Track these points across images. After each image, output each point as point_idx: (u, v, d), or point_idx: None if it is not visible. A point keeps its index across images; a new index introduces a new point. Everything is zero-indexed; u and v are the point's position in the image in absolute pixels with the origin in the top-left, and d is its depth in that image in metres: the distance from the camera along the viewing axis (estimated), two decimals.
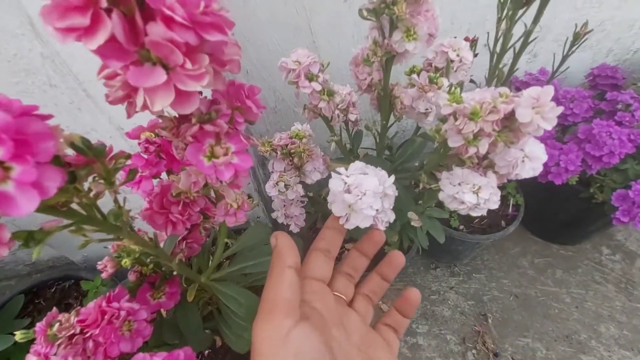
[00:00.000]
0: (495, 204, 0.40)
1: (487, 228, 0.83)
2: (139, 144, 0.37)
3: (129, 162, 0.28)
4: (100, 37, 0.17)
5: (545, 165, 0.70)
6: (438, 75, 0.51)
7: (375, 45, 0.37)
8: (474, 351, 0.87)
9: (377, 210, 0.39)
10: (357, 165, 0.39)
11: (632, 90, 0.78)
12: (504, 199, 0.86)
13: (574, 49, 0.54)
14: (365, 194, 0.36)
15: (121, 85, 0.20)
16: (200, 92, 0.24)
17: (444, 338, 0.90)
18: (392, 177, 0.40)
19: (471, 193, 0.39)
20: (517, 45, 0.52)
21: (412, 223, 0.52)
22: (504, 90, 0.35)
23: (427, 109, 0.51)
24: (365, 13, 0.36)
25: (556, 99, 0.80)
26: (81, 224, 0.28)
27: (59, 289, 0.80)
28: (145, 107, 0.20)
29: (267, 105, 0.84)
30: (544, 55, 0.96)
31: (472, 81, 0.64)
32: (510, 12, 0.42)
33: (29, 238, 0.22)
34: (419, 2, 0.34)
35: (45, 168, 0.17)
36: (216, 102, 0.27)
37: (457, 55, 0.51)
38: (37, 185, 0.16)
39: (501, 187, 0.88)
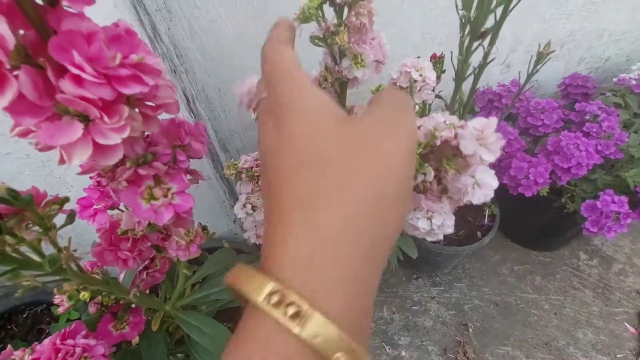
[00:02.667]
0: (450, 229, 0.40)
1: (464, 239, 0.83)
2: (91, 177, 0.37)
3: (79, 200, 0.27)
4: (7, 97, 0.17)
5: (515, 178, 0.71)
6: None
7: (326, 71, 0.37)
8: None
9: None
10: None
11: (599, 100, 0.80)
12: (479, 210, 0.87)
13: (538, 67, 0.55)
14: None
15: (38, 142, 0.20)
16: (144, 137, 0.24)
17: (426, 349, 0.90)
18: None
19: (425, 219, 0.39)
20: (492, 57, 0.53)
21: None
22: (453, 119, 0.36)
23: None
24: (315, 40, 0.37)
25: (527, 110, 0.82)
26: (20, 270, 0.27)
27: (31, 314, 0.78)
28: (63, 161, 0.19)
29: (243, 122, 0.84)
30: (517, 66, 0.98)
31: (438, 96, 0.65)
32: (466, 44, 0.43)
33: None
34: (362, 31, 0.34)
35: None
36: (154, 143, 0.27)
37: (420, 75, 0.52)
38: None
39: None
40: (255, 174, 0.53)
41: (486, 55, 0.47)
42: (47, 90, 0.18)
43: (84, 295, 0.40)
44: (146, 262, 0.43)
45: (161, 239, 0.36)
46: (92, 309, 0.43)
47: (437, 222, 0.40)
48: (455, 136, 0.35)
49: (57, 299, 0.41)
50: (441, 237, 0.42)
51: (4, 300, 0.87)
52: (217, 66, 0.70)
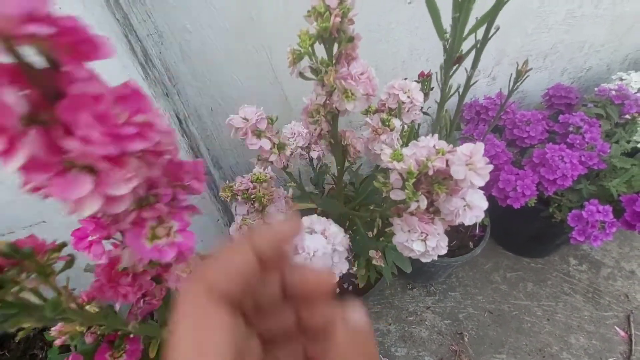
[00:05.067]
0: (443, 250, 0.42)
1: (456, 250, 0.85)
2: None
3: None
4: (20, 158, 0.17)
5: (503, 190, 0.73)
6: (390, 117, 0.53)
7: (318, 104, 0.39)
8: None
9: (329, 267, 0.40)
10: (306, 222, 0.40)
11: (582, 112, 0.83)
12: None
13: (518, 84, 0.57)
14: (314, 255, 0.37)
15: (47, 195, 0.20)
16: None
17: None
18: (341, 233, 0.41)
19: (419, 241, 0.40)
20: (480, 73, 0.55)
21: (374, 262, 0.53)
22: (442, 145, 0.37)
23: (381, 150, 0.52)
24: (306, 74, 0.38)
25: (513, 122, 0.84)
26: (21, 317, 0.27)
27: (23, 339, 0.77)
28: (73, 212, 0.20)
29: (235, 140, 0.84)
30: (502, 78, 1.00)
31: (425, 113, 0.67)
32: (443, 70, 0.44)
33: None
34: (350, 64, 0.35)
35: None
36: (155, 185, 0.27)
37: (408, 97, 0.53)
38: None
39: None
40: (251, 196, 0.54)
41: (469, 78, 0.49)
42: (54, 146, 0.19)
43: (80, 327, 0.40)
44: (137, 297, 0.44)
45: (161, 270, 0.36)
46: (88, 339, 0.43)
47: (431, 244, 0.41)
48: (447, 164, 0.36)
49: (53, 332, 0.41)
50: (435, 258, 0.43)
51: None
52: (209, 86, 0.71)
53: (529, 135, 0.81)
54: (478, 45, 0.44)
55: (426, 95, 0.62)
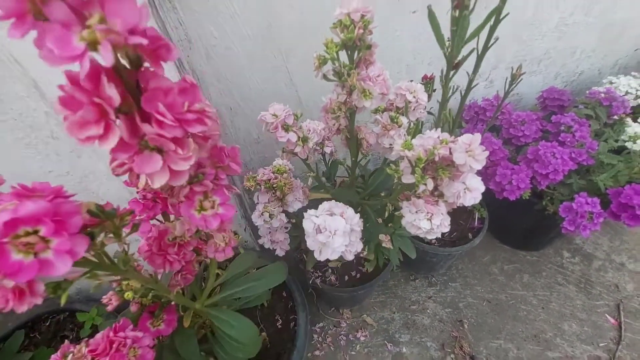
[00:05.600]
0: (446, 228, 0.48)
1: (457, 240, 0.91)
2: (138, 191, 0.43)
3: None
4: (112, 141, 0.23)
5: (500, 183, 0.79)
6: (398, 115, 0.59)
7: (339, 102, 0.45)
8: (452, 355, 0.94)
9: (346, 245, 0.46)
10: (326, 206, 0.46)
11: (573, 112, 0.89)
12: (470, 213, 0.94)
13: (513, 86, 0.64)
14: (335, 233, 0.43)
15: (126, 170, 0.26)
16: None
17: (425, 345, 0.96)
18: (357, 216, 0.47)
19: (426, 220, 0.46)
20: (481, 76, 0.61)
21: (383, 244, 0.59)
22: (445, 136, 0.43)
23: (390, 144, 0.59)
24: (329, 76, 0.44)
25: (509, 122, 0.90)
26: (95, 270, 0.33)
27: (53, 322, 0.83)
28: (147, 185, 0.26)
29: (251, 137, 0.90)
30: (500, 81, 1.07)
31: (429, 112, 0.73)
32: (444, 72, 0.51)
33: (57, 287, 0.28)
34: (368, 67, 0.41)
35: (75, 238, 0.23)
36: (202, 165, 0.33)
37: (414, 97, 0.60)
38: (70, 252, 0.22)
39: None
40: (273, 185, 0.60)
41: (470, 81, 0.55)
42: (134, 131, 0.25)
43: (129, 294, 0.46)
44: (182, 265, 0.50)
45: (200, 243, 0.42)
46: (133, 307, 0.49)
47: (436, 222, 0.47)
48: (450, 151, 0.43)
49: (105, 299, 0.47)
50: (439, 235, 0.49)
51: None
52: (230, 87, 0.77)
53: (524, 134, 0.87)
54: (478, 53, 0.50)
55: (429, 96, 0.69)
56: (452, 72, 0.49)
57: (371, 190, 0.66)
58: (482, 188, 0.45)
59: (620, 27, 1.09)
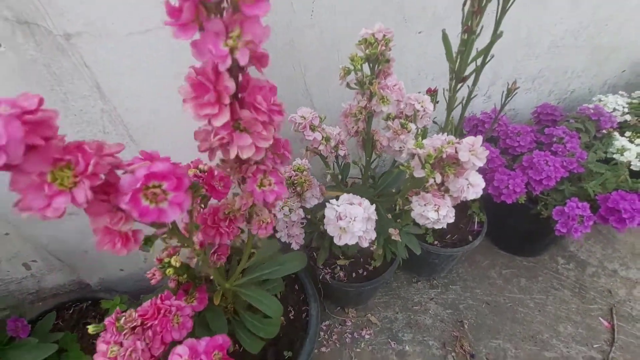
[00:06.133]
0: (451, 219, 0.54)
1: (457, 242, 0.97)
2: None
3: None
4: (223, 119, 0.30)
5: (497, 188, 0.86)
6: (407, 122, 0.67)
7: (360, 107, 0.52)
8: (453, 354, 0.98)
9: (363, 231, 0.52)
10: (346, 197, 0.53)
11: (564, 126, 0.97)
12: (469, 217, 1.01)
13: (508, 99, 0.71)
14: (355, 219, 0.50)
15: (219, 143, 0.33)
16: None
17: (427, 344, 1.00)
18: (374, 206, 0.53)
19: (433, 211, 0.53)
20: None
21: (392, 237, 0.65)
22: (451, 138, 0.50)
23: (400, 147, 0.66)
24: (352, 85, 0.52)
25: (506, 134, 0.98)
26: (170, 234, 0.40)
27: (76, 310, 0.87)
28: (237, 156, 0.33)
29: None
30: (497, 96, 1.16)
31: (434, 122, 0.81)
32: (452, 85, 0.58)
33: (148, 240, 0.34)
34: (386, 77, 0.49)
35: (186, 194, 0.29)
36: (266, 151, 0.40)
37: (422, 107, 0.67)
38: (180, 205, 0.29)
39: (466, 208, 1.03)
40: (294, 182, 0.67)
41: (470, 92, 0.63)
42: (234, 115, 0.32)
43: (169, 271, 0.52)
44: (216, 247, 0.56)
45: (244, 221, 0.48)
46: (172, 284, 0.55)
47: (442, 213, 0.54)
48: (456, 150, 0.50)
49: (149, 274, 0.53)
50: (445, 225, 0.56)
51: (51, 299, 0.96)
52: None
53: (519, 145, 0.95)
54: (477, 67, 0.58)
55: (447, 116, 0.77)
56: (459, 85, 0.56)
57: (381, 189, 0.72)
58: (483, 184, 0.52)
59: (607, 50, 1.19)
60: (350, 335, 1.02)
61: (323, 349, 1.00)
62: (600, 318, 1.05)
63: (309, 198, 0.70)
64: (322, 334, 1.03)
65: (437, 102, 0.77)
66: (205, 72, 0.27)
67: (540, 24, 1.01)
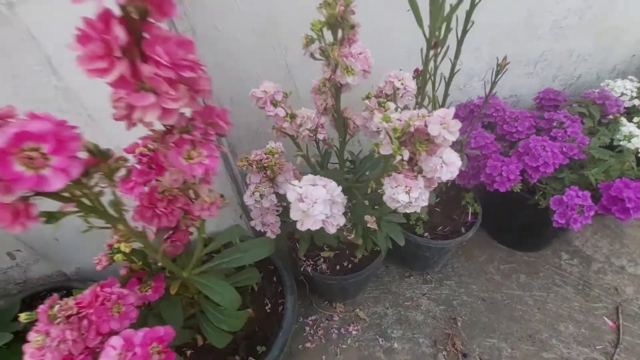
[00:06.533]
0: (424, 202, 0.49)
1: (449, 234, 0.91)
2: (134, 156, 0.46)
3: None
4: (114, 75, 0.26)
5: (490, 175, 0.80)
6: (386, 100, 0.62)
7: (324, 79, 0.48)
8: (444, 352, 0.93)
9: (326, 215, 0.48)
10: (308, 177, 0.48)
11: (566, 110, 0.90)
12: (463, 208, 0.95)
13: (499, 76, 0.66)
14: (316, 202, 0.45)
15: (125, 106, 0.29)
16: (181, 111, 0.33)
17: (417, 341, 0.95)
18: (339, 188, 0.49)
19: (404, 193, 0.48)
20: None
21: (368, 225, 0.61)
22: (423, 111, 0.45)
23: (378, 128, 0.61)
24: (316, 55, 0.47)
25: (503, 119, 0.92)
26: (89, 213, 0.36)
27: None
28: (141, 119, 0.29)
29: (251, 128, 0.94)
30: (499, 82, 1.09)
31: (420, 104, 0.75)
32: (424, 53, 0.53)
33: (50, 216, 0.30)
34: (350, 45, 0.44)
35: (72, 159, 0.25)
36: (193, 119, 0.36)
37: (402, 84, 0.62)
38: (65, 171, 0.25)
39: (460, 198, 0.97)
40: (264, 165, 0.63)
41: (453, 67, 0.57)
42: (134, 72, 0.28)
43: (118, 257, 0.48)
44: (170, 232, 0.52)
45: (187, 204, 0.44)
46: (122, 271, 0.51)
47: (414, 195, 0.49)
48: (425, 124, 0.45)
49: (95, 259, 0.50)
50: (418, 210, 0.51)
51: (25, 288, 0.94)
52: (231, 78, 0.81)
53: (517, 130, 0.88)
54: (458, 38, 0.53)
55: (420, 89, 0.71)
56: (431, 52, 0.51)
57: (361, 174, 0.68)
58: (459, 163, 0.47)
59: (614, 32, 1.11)
60: (336, 331, 0.98)
61: (308, 345, 0.96)
62: (604, 317, 0.98)
63: (281, 183, 0.66)
64: (307, 328, 0.99)
65: (420, 79, 0.72)
66: (93, 21, 0.22)
67: (541, 1, 0.94)
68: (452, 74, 0.59)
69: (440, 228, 0.93)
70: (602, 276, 1.07)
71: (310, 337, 0.97)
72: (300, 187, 0.49)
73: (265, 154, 0.64)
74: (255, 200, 0.65)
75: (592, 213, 0.74)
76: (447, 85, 0.61)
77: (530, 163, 0.78)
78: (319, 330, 0.98)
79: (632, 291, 1.03)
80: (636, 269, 1.08)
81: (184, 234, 0.52)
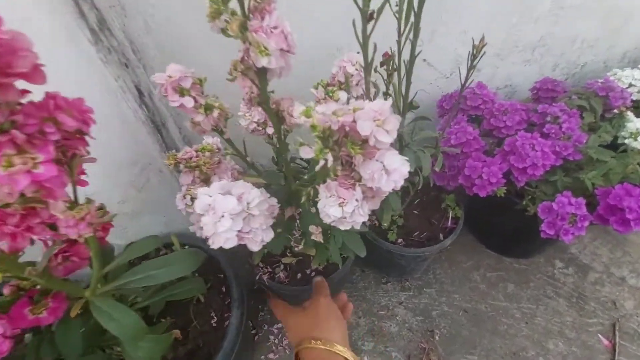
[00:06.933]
0: (362, 217, 0.39)
1: (426, 241, 0.82)
2: None
3: None
4: None
5: (469, 177, 0.70)
6: (335, 89, 0.52)
7: (235, 61, 0.38)
8: None
9: (238, 231, 0.39)
10: (219, 184, 0.39)
11: (563, 103, 0.79)
12: (444, 212, 0.85)
13: (475, 62, 0.55)
14: (223, 216, 0.36)
15: None
16: None
17: (389, 355, 0.87)
18: (258, 196, 0.40)
19: (337, 206, 0.38)
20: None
21: (312, 237, 0.52)
22: (358, 103, 0.36)
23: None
24: (228, 32, 0.37)
25: (490, 112, 0.81)
26: None
27: None
28: None
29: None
30: (486, 69, 0.97)
31: (387, 94, 0.65)
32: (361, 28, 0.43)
33: None
34: (263, 17, 0.34)
35: None
36: (14, 113, 0.27)
37: (356, 70, 0.52)
38: None
39: (440, 201, 0.87)
40: (193, 165, 0.54)
41: (413, 48, 0.47)
42: None
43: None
44: (63, 246, 0.44)
45: (54, 217, 0.36)
46: (6, 290, 0.43)
47: (348, 210, 0.39)
48: (354, 120, 0.35)
49: None
50: (357, 227, 0.41)
51: None
52: (177, 61, 0.71)
53: (506, 125, 0.78)
54: (415, 12, 0.42)
55: (390, 75, 0.61)
56: (368, 26, 0.41)
57: (312, 174, 0.58)
58: (405, 169, 0.37)
59: (624, 14, 0.98)
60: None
61: (271, 356, 0.88)
62: (599, 335, 0.88)
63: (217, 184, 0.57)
64: (272, 337, 0.91)
65: (395, 69, 0.61)
66: None
67: None
68: (414, 56, 0.48)
69: (416, 234, 0.84)
70: (599, 288, 0.97)
71: (274, 347, 0.90)
72: (210, 196, 0.40)
73: (197, 151, 0.55)
74: (186, 204, 0.56)
75: (586, 224, 0.64)
76: (409, 71, 0.50)
77: (516, 164, 0.67)
78: (284, 339, 0.91)
79: (632, 306, 0.93)
80: (638, 281, 0.98)
81: (82, 247, 0.44)
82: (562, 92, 0.90)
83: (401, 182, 0.37)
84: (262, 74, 0.40)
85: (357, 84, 0.54)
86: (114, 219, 0.44)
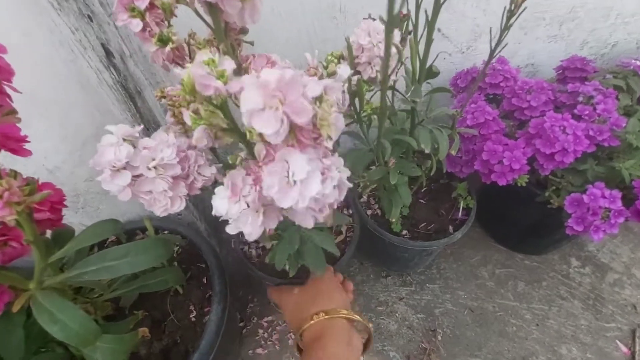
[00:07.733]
0: (254, 231, 0.28)
1: (433, 234, 0.74)
2: None
3: None
4: None
5: (487, 163, 0.61)
6: (334, 58, 0.43)
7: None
8: None
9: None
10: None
11: (597, 81, 0.69)
12: (453, 202, 0.77)
13: (513, 20, 0.46)
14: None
15: None
16: None
17: (387, 355, 0.80)
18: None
19: (225, 200, 0.28)
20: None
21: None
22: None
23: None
24: None
25: (513, 91, 0.71)
26: None
27: None
28: None
29: None
30: (511, 44, 0.87)
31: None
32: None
33: None
34: None
35: None
36: None
37: (372, 44, 0.42)
38: None
39: (450, 189, 0.79)
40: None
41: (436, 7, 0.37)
42: None
43: None
44: None
45: None
46: None
47: (232, 211, 0.29)
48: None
49: None
50: (251, 238, 0.30)
51: None
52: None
53: (530, 105, 0.68)
54: None
55: (403, 40, 0.51)
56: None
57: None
58: (317, 179, 0.24)
59: None
60: (293, 336, 0.83)
61: (259, 350, 0.82)
62: (617, 341, 0.81)
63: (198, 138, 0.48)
64: (261, 331, 0.85)
65: (410, 33, 0.51)
66: None
67: None
68: (439, 4, 0.39)
69: (423, 225, 0.75)
70: (618, 290, 0.89)
71: (263, 342, 0.83)
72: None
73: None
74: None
75: (621, 220, 0.56)
76: (431, 24, 0.41)
77: (542, 149, 0.58)
78: (274, 334, 0.84)
79: None
80: None
81: (16, 231, 0.36)
82: (593, 72, 0.80)
83: (306, 202, 0.25)
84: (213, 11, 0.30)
85: (369, 62, 0.43)
86: (83, 198, 0.36)
